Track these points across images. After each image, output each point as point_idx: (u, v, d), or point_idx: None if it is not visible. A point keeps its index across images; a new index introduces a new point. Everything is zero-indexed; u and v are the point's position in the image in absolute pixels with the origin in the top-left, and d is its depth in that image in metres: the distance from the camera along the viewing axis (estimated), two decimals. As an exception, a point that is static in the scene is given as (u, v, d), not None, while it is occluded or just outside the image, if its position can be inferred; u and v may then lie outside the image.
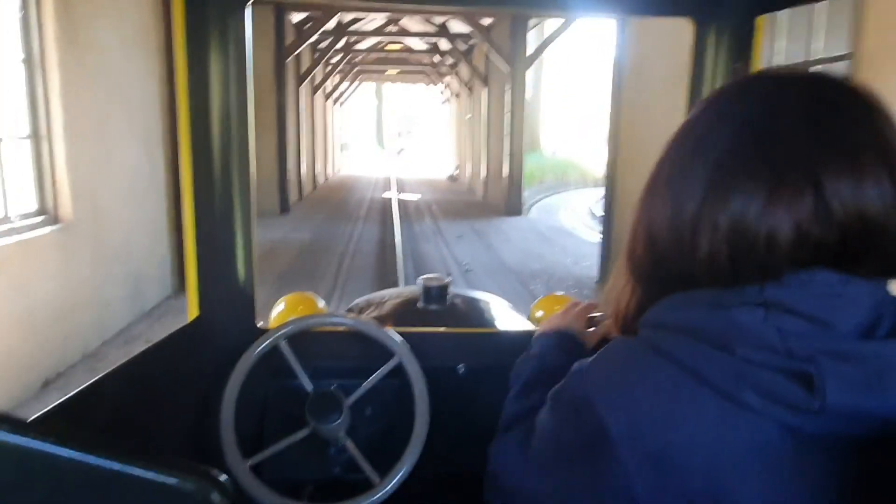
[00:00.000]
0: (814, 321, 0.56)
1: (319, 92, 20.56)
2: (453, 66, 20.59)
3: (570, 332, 1.02)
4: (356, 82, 30.68)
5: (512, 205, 13.78)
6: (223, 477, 0.53)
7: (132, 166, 5.73)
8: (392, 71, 26.33)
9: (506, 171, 13.79)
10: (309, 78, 16.48)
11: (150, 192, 6.15)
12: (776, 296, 0.57)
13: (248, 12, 1.33)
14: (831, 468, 0.55)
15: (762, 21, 1.38)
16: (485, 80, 16.55)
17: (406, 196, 17.67)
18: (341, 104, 30.25)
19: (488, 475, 0.84)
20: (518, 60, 13.15)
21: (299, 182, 16.04)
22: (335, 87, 24.95)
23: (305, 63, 16.37)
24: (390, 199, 16.17)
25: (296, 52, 13.08)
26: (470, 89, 19.61)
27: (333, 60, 20.05)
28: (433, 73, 24.63)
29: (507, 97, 13.43)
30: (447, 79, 24.70)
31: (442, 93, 28.59)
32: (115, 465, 0.53)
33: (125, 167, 5.58)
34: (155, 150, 6.23)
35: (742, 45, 1.39)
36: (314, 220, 12.53)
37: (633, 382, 0.61)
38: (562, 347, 0.98)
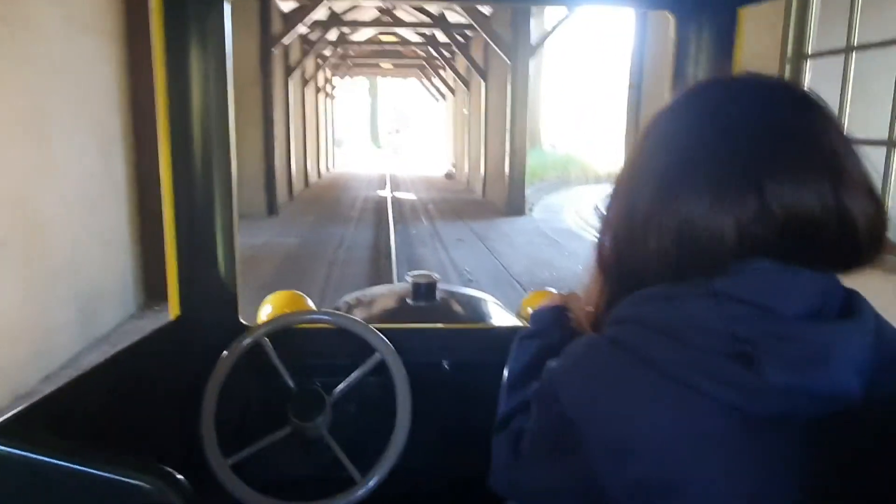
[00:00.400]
0: (757, 307, 0.58)
1: (310, 85, 19.69)
2: (449, 59, 19.74)
3: (564, 308, 1.00)
4: (348, 77, 29.80)
5: (514, 204, 12.98)
6: (180, 477, 0.54)
7: (82, 168, 4.90)
8: (386, 64, 25.44)
9: (507, 168, 12.99)
10: (298, 69, 15.63)
11: (106, 197, 5.32)
12: (722, 286, 0.60)
13: (227, 6, 1.33)
14: (782, 449, 0.57)
15: (744, 14, 1.37)
16: (483, 74, 15.73)
17: (401, 195, 16.84)
18: (333, 99, 29.34)
19: (492, 471, 0.84)
20: (520, 51, 12.34)
21: (289, 181, 15.23)
22: (327, 81, 24.07)
23: (294, 54, 15.51)
24: (385, 199, 15.36)
25: (283, 41, 12.23)
26: (467, 83, 18.77)
27: (325, 52, 19.19)
28: (428, 66, 23.75)
29: (508, 90, 12.60)
30: (443, 73, 23.85)
31: (438, 88, 27.74)
32: (74, 467, 0.54)
33: (72, 170, 4.75)
34: (112, 147, 5.39)
35: (724, 38, 1.38)
36: (304, 223, 11.71)
37: (593, 375, 0.63)
38: (558, 323, 0.97)
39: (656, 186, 0.64)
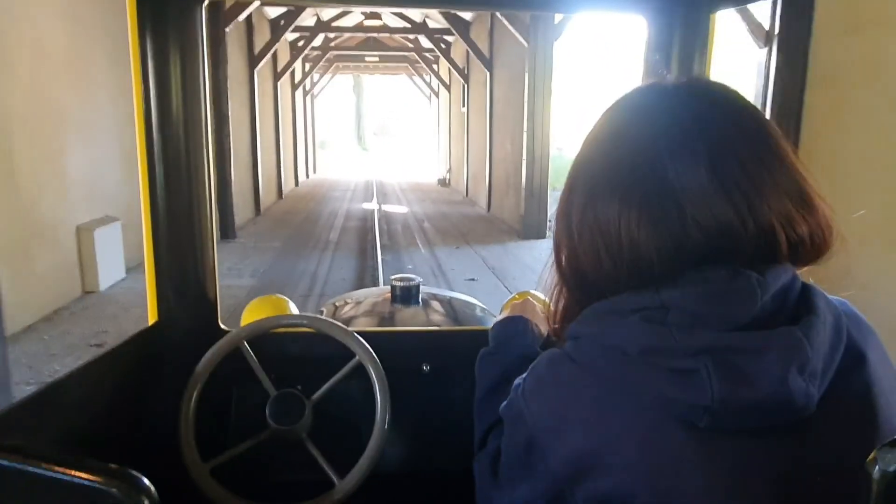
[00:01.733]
0: (706, 317, 0.59)
1: (285, 80, 16.98)
2: (445, 49, 17.08)
3: (524, 319, 1.06)
4: (330, 73, 26.98)
5: (532, 224, 10.38)
6: (146, 481, 0.53)
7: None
8: (372, 59, 22.65)
9: (523, 178, 10.37)
10: (269, 58, 12.93)
11: None
12: (671, 298, 0.60)
13: (202, 13, 1.33)
14: (738, 460, 0.57)
15: (714, 18, 1.38)
16: (488, 62, 13.12)
17: (391, 208, 14.14)
18: (314, 96, 26.49)
19: (477, 493, 0.85)
20: (541, 31, 9.76)
21: (256, 193, 12.56)
22: (306, 75, 21.30)
23: (262, 38, 12.81)
24: (372, 212, 12.69)
25: (239, 18, 9.57)
26: (465, 75, 16.13)
27: (299, 43, 16.49)
28: (419, 59, 20.99)
29: (526, 80, 10.00)
30: (436, 66, 21.15)
31: (429, 83, 25.02)
32: (40, 471, 0.54)
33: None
34: None
35: (695, 43, 1.39)
36: (266, 252, 9.03)
37: (554, 394, 0.65)
38: (520, 337, 1.02)
39: (585, 201, 0.66)
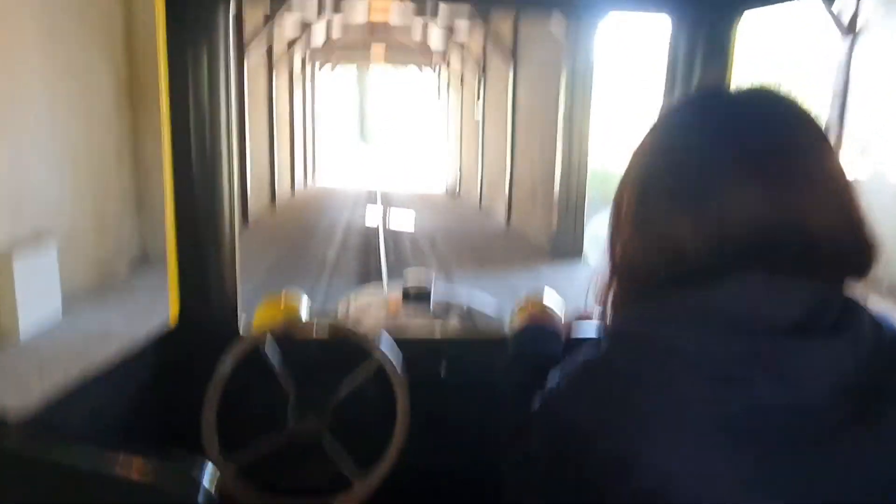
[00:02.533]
0: (748, 322, 0.58)
1: (282, 70, 15.35)
2: (461, 43, 15.45)
3: (548, 326, 1.19)
4: (329, 65, 25.18)
5: (565, 242, 8.77)
6: (208, 472, 0.54)
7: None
8: (377, 49, 20.88)
9: (556, 187, 8.75)
10: (259, 41, 11.29)
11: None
12: (714, 301, 0.60)
13: (229, 13, 1.34)
14: (782, 467, 0.56)
15: (739, 20, 1.38)
16: (512, 51, 11.50)
17: (397, 222, 12.45)
18: (311, 88, 24.09)
19: (506, 498, 0.82)
20: (583, 22, 8.13)
21: (231, 211, 10.86)
22: (305, 65, 19.57)
23: (253, 19, 11.15)
24: (376, 232, 11.01)
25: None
26: (483, 69, 14.51)
27: (291, 34, 14.84)
28: (427, 48, 19.26)
29: (564, 74, 8.37)
30: (451, 56, 19.40)
31: (441, 76, 23.31)
32: (100, 467, 0.55)
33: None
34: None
35: (719, 43, 1.39)
36: (249, 275, 7.40)
37: (591, 395, 0.63)
38: (547, 339, 1.12)
39: (637, 207, 0.67)
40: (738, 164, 0.61)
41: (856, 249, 0.62)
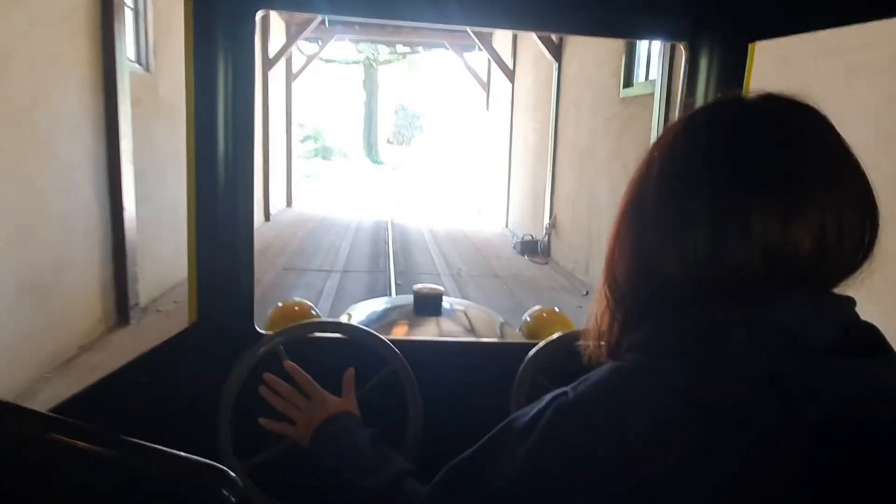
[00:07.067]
0: (790, 338, 0.58)
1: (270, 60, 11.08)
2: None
3: (350, 412, 1.12)
4: (333, 41, 14.61)
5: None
6: (233, 474, 0.54)
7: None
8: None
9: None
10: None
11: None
12: (757, 315, 0.59)
13: (255, 23, 1.36)
14: (818, 482, 0.56)
15: (754, 48, 1.43)
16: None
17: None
18: (295, 79, 14.92)
19: None
20: None
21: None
22: (285, 48, 11.86)
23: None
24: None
25: None
26: (558, 52, 10.31)
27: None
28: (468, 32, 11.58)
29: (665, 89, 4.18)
30: (495, 41, 12.72)
31: (474, 70, 14.80)
32: (134, 460, 0.56)
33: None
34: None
35: (733, 70, 1.44)
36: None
37: (624, 410, 0.61)
38: (357, 427, 1.08)
39: (659, 219, 0.65)
40: (763, 179, 0.60)
41: (862, 257, 0.62)
